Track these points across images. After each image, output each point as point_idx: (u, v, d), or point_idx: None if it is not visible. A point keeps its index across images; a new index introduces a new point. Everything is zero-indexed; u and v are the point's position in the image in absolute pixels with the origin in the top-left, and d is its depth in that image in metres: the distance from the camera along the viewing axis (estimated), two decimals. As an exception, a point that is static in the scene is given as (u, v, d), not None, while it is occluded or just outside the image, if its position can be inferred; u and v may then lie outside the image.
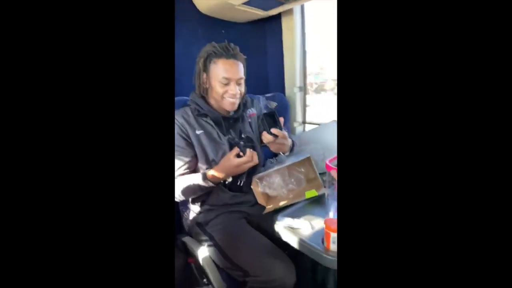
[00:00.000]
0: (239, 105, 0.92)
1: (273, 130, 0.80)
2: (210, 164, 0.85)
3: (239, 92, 0.84)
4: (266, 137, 0.81)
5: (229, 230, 0.83)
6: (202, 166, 0.86)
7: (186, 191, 0.83)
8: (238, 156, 0.78)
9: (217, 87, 0.82)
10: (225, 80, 0.81)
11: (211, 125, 0.86)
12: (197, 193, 0.85)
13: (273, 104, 1.35)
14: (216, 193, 0.88)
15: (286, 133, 0.83)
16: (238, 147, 0.79)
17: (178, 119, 0.85)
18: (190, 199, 0.94)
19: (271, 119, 0.82)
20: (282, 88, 1.42)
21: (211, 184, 0.81)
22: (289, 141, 0.90)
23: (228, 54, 0.81)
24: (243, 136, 0.92)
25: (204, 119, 0.86)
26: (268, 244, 0.76)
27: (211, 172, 0.81)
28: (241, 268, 0.75)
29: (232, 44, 0.84)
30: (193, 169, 0.87)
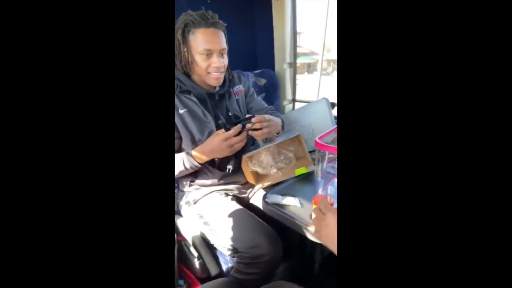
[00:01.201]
0: (224, 80, 0.87)
1: (254, 120, 0.76)
2: (196, 144, 0.81)
3: (222, 64, 0.78)
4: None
5: (217, 208, 0.83)
6: (187, 147, 0.82)
7: None
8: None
9: (199, 61, 0.76)
10: (206, 51, 0.75)
11: (195, 103, 0.81)
12: (182, 173, 0.81)
13: (262, 81, 1.31)
14: (205, 173, 0.87)
15: (265, 116, 0.78)
16: (225, 128, 0.75)
17: None
18: (179, 179, 0.92)
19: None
20: (271, 64, 1.38)
21: (196, 163, 0.78)
22: (277, 121, 0.87)
23: (207, 23, 0.74)
24: (230, 114, 0.89)
25: (187, 96, 0.81)
26: (255, 221, 0.77)
27: (197, 151, 0.77)
28: (230, 245, 0.76)
29: (210, 12, 0.76)
30: (177, 151, 0.84)
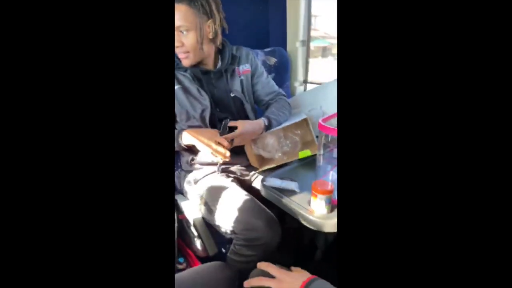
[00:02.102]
0: (224, 57, 0.83)
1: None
2: (191, 120, 0.82)
3: (179, 43, 0.73)
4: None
5: (217, 189, 0.81)
6: (182, 123, 0.83)
7: None
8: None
9: None
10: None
11: (190, 80, 0.79)
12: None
13: (272, 60, 1.25)
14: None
15: (236, 132, 0.75)
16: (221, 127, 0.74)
17: None
18: (181, 158, 0.91)
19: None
20: (283, 43, 1.30)
21: (182, 144, 0.78)
22: (254, 127, 0.81)
23: None
24: (231, 95, 0.85)
25: (183, 73, 0.80)
26: (253, 204, 0.74)
27: (187, 134, 0.76)
28: (228, 227, 0.74)
29: None
30: None
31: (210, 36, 0.77)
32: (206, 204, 0.82)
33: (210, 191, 0.82)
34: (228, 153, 0.72)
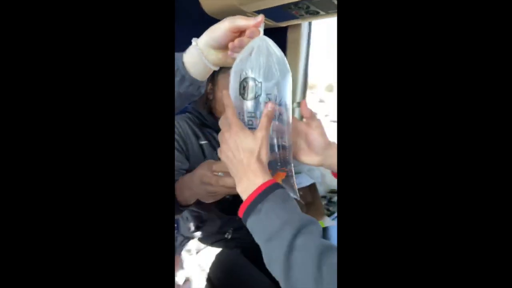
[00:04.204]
0: None
1: None
2: None
3: None
4: None
5: (223, 265, 0.74)
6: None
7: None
8: None
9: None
10: None
11: (215, 138, 0.78)
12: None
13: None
14: (212, 218, 0.79)
15: None
16: None
17: (181, 123, 0.76)
18: (180, 220, 0.84)
19: None
20: (281, 103, 1.37)
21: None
22: None
23: None
24: None
25: (208, 130, 0.79)
26: (266, 285, 0.68)
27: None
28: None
29: None
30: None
31: None
32: (209, 280, 0.74)
33: (215, 266, 0.75)
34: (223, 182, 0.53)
